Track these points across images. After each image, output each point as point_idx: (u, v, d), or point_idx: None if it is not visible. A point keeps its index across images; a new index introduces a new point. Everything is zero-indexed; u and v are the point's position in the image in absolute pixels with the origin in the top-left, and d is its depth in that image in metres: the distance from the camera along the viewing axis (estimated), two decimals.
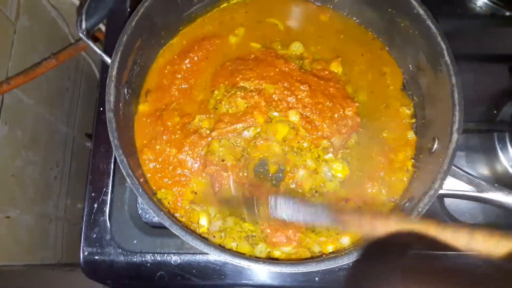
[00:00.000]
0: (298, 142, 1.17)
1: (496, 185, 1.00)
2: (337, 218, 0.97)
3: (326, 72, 1.26)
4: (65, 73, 2.02)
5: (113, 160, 1.23)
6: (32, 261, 1.75)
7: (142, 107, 1.24)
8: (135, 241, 1.15)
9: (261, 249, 1.08)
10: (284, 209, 1.00)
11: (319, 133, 1.17)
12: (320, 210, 1.00)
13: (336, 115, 1.19)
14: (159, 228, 1.17)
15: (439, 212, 1.26)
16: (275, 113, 1.18)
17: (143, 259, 1.16)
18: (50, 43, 1.85)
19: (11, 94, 1.55)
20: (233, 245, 1.08)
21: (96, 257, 1.17)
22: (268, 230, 1.10)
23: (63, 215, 2.01)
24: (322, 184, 1.16)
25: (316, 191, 1.16)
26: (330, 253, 1.09)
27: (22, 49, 1.63)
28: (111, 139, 1.00)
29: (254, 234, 1.11)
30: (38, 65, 1.64)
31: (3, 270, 1.58)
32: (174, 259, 1.16)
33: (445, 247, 0.90)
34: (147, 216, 1.21)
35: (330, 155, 1.17)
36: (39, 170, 1.81)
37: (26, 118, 1.70)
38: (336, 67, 1.28)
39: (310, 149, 1.17)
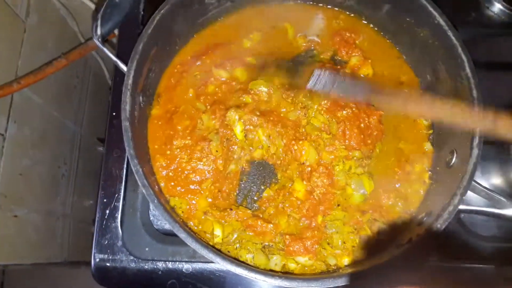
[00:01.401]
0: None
1: None
2: (374, 94, 0.98)
3: None
4: (74, 71, 2.01)
5: (125, 165, 1.22)
6: (39, 260, 1.75)
7: (155, 111, 1.23)
8: (146, 249, 1.14)
9: (276, 261, 1.07)
10: (325, 81, 1.02)
11: (347, 142, 1.17)
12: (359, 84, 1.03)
13: (362, 125, 1.18)
14: (171, 236, 1.16)
15: (454, 224, 1.25)
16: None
17: (155, 266, 1.15)
18: (59, 42, 1.84)
19: (20, 93, 1.54)
20: (248, 257, 1.07)
21: (108, 264, 1.16)
22: (288, 240, 1.09)
23: (70, 212, 2.00)
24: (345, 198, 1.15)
25: (339, 204, 1.15)
26: (346, 266, 1.08)
27: (31, 47, 1.62)
28: (127, 148, 0.99)
29: (271, 244, 1.10)
30: (48, 64, 1.62)
31: (11, 269, 1.58)
32: (186, 267, 1.15)
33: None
34: (158, 223, 1.21)
35: (360, 168, 1.17)
36: (47, 168, 1.80)
37: (34, 116, 1.69)
38: (367, 70, 1.28)
39: (343, 161, 1.16)
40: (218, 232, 1.09)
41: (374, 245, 1.11)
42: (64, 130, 1.94)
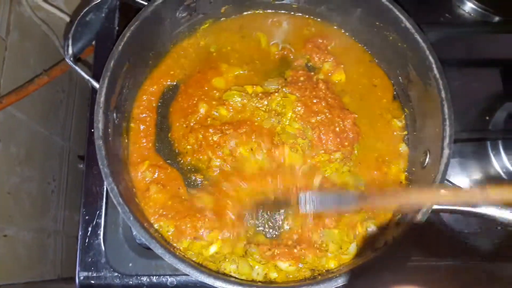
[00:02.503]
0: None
1: None
2: (364, 200, 1.01)
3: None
4: (59, 86, 2.01)
5: (105, 182, 1.22)
6: (32, 278, 1.75)
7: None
8: (130, 264, 1.14)
9: (257, 271, 1.08)
10: (313, 202, 1.02)
11: (325, 146, 1.19)
12: (346, 196, 1.05)
13: (337, 128, 1.19)
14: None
15: (434, 220, 1.26)
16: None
17: (139, 281, 1.15)
18: (41, 57, 1.85)
19: (3, 111, 1.54)
20: (232, 267, 1.08)
21: (92, 281, 1.16)
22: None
23: (61, 228, 2.01)
24: None
25: None
26: (327, 271, 1.09)
27: (13, 65, 1.63)
28: (101, 167, 1.00)
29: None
30: (30, 82, 1.63)
31: None
32: (170, 280, 1.15)
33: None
34: (141, 238, 1.21)
35: (345, 167, 1.20)
36: (36, 185, 1.81)
37: (20, 133, 1.70)
38: (339, 75, 1.29)
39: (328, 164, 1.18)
40: (213, 248, 1.11)
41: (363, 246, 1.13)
42: (51, 146, 1.95)
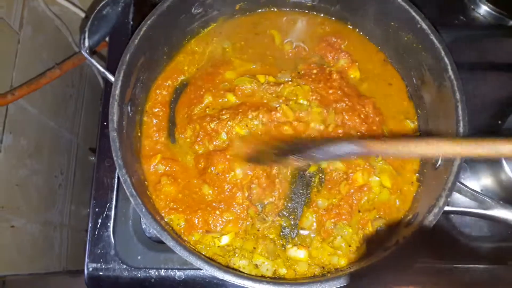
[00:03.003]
0: None
1: (501, 202, 0.99)
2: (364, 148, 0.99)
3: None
4: (69, 80, 2.02)
5: (117, 174, 1.23)
6: (37, 270, 1.76)
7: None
8: (139, 257, 1.15)
9: (267, 267, 1.08)
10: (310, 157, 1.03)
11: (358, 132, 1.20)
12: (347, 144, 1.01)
13: (361, 115, 1.20)
14: (163, 244, 1.15)
15: (443, 224, 1.26)
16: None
17: (147, 274, 1.16)
18: (53, 52, 1.85)
19: (15, 104, 1.55)
20: (241, 263, 1.08)
21: (101, 273, 1.17)
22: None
23: (67, 222, 2.01)
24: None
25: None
26: (336, 269, 1.09)
27: (26, 58, 1.64)
28: (115, 158, 1.00)
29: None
30: (42, 75, 1.64)
31: (9, 279, 1.59)
32: (178, 274, 1.16)
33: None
34: (151, 231, 1.21)
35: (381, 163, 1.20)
36: (44, 178, 1.81)
37: (30, 127, 1.70)
38: (354, 72, 1.30)
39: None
40: (225, 239, 1.11)
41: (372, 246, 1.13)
42: (60, 140, 1.96)
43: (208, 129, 1.19)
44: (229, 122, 1.17)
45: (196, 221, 1.12)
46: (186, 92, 1.29)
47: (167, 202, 1.15)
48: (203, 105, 1.25)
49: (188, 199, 1.15)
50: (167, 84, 1.28)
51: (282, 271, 1.09)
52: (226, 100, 1.24)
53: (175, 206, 1.14)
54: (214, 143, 1.18)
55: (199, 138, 1.20)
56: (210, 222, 1.12)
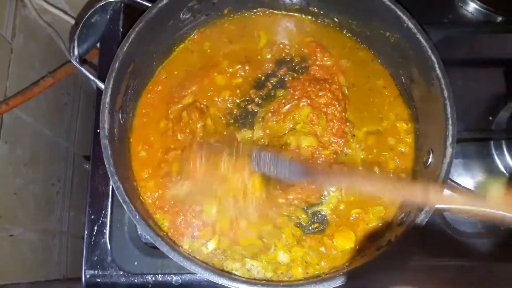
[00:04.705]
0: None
1: None
2: (311, 173, 1.03)
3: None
4: (64, 88, 2.03)
5: (111, 181, 1.24)
6: (36, 278, 1.77)
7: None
8: (135, 263, 1.15)
9: (257, 269, 1.09)
10: (264, 163, 1.05)
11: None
12: (294, 165, 1.05)
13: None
14: (159, 249, 1.18)
15: (437, 221, 1.26)
16: None
17: (145, 280, 1.16)
18: (46, 60, 1.86)
19: (9, 113, 1.56)
20: (235, 266, 1.09)
21: (98, 280, 1.17)
22: None
23: (66, 229, 2.02)
24: None
25: None
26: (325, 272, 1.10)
27: (19, 67, 1.65)
28: (107, 166, 1.01)
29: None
30: (36, 84, 1.65)
31: None
32: (175, 279, 1.16)
33: None
34: (147, 237, 1.21)
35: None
36: (41, 186, 1.82)
37: (25, 135, 1.71)
38: (341, 74, 1.30)
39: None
40: (211, 245, 1.11)
41: (359, 248, 1.13)
42: (56, 148, 1.96)
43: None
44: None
45: (178, 223, 1.13)
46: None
47: (153, 199, 1.17)
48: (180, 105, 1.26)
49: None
50: (158, 89, 1.28)
51: (268, 274, 1.10)
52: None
53: (160, 204, 1.16)
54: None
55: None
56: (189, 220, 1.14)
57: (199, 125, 1.21)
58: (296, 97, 1.23)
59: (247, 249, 1.11)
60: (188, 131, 1.21)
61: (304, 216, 1.16)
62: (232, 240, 1.12)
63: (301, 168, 1.06)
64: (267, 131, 1.23)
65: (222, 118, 1.26)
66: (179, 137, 1.21)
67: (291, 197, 1.15)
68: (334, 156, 1.20)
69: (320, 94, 1.21)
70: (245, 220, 1.12)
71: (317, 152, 1.18)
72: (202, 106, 1.25)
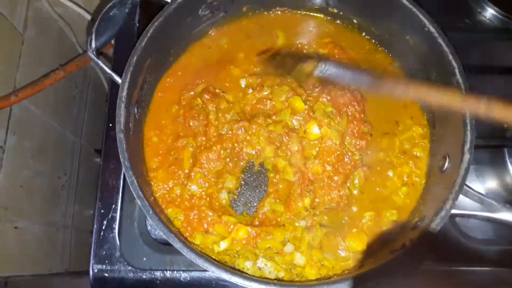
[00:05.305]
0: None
1: (507, 205, 0.99)
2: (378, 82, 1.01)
3: None
4: (73, 82, 2.02)
5: (122, 176, 1.23)
6: (40, 271, 1.76)
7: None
8: (144, 258, 1.15)
9: (270, 269, 1.08)
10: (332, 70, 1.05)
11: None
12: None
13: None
14: (168, 245, 1.16)
15: (449, 227, 1.26)
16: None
17: (153, 276, 1.16)
18: (57, 53, 1.85)
19: (19, 105, 1.55)
20: (247, 264, 1.08)
21: (106, 275, 1.16)
22: None
23: (70, 223, 2.01)
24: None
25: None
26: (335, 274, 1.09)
27: (30, 59, 1.64)
28: (122, 160, 1.00)
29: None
30: (46, 76, 1.64)
31: (12, 280, 1.59)
32: (184, 276, 1.16)
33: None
34: (156, 233, 1.21)
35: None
36: (47, 179, 1.81)
37: (34, 127, 1.70)
38: None
39: None
40: (224, 245, 1.11)
41: (371, 250, 1.13)
42: (63, 141, 1.95)
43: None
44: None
45: (192, 218, 1.13)
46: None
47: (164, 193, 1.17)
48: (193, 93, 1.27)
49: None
50: (171, 81, 1.29)
51: (280, 274, 1.09)
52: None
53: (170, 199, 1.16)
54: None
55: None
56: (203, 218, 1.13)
57: (211, 107, 1.21)
58: (316, 93, 1.22)
59: (264, 252, 1.11)
60: (201, 118, 1.21)
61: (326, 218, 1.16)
62: (249, 243, 1.11)
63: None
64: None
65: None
66: (191, 124, 1.21)
67: (317, 199, 1.16)
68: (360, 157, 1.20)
69: (339, 93, 1.20)
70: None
71: (347, 157, 1.18)
72: (216, 91, 1.25)
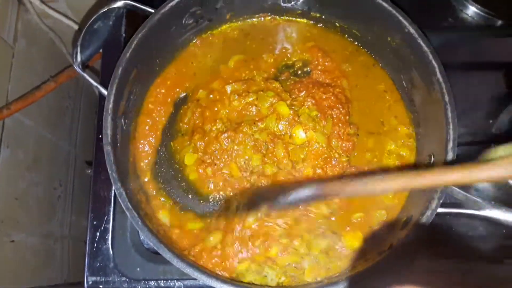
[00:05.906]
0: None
1: (492, 202, 1.00)
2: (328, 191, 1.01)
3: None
4: (65, 92, 2.03)
5: (113, 187, 1.24)
6: (38, 283, 1.76)
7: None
8: (138, 269, 1.15)
9: (271, 277, 1.09)
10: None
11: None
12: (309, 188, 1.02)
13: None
14: (161, 255, 1.18)
15: (439, 224, 1.27)
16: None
17: (147, 286, 1.16)
18: (48, 64, 1.87)
19: (11, 117, 1.56)
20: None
21: (100, 286, 1.17)
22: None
23: (68, 233, 2.02)
24: None
25: None
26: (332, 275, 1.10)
27: (21, 72, 1.65)
28: (110, 172, 1.01)
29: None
30: (38, 88, 1.65)
31: None
32: (178, 285, 1.16)
33: None
34: (149, 243, 1.21)
35: None
36: (43, 190, 1.82)
37: (27, 139, 1.71)
38: (343, 78, 1.30)
39: None
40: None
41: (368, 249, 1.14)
42: (58, 151, 1.96)
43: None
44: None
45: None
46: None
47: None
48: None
49: None
50: (159, 95, 1.29)
51: (282, 279, 1.10)
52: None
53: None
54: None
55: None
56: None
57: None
58: (301, 98, 1.23)
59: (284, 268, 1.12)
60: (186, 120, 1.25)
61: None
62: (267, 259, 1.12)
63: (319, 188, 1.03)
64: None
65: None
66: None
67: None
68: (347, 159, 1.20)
69: (324, 96, 1.21)
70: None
71: (335, 159, 1.18)
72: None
